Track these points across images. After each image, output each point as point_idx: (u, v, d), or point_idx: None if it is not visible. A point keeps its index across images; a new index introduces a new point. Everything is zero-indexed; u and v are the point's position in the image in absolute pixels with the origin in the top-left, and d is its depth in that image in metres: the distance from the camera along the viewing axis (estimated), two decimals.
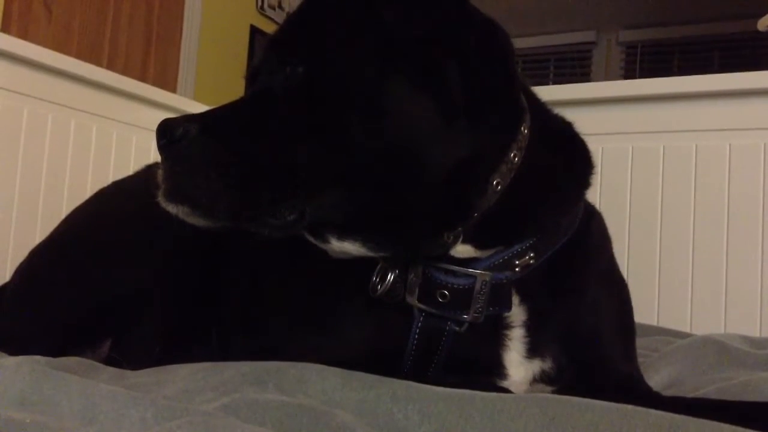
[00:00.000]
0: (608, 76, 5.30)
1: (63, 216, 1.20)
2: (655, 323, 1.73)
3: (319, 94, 0.74)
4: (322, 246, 0.78)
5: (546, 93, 0.90)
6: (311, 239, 0.78)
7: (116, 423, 0.59)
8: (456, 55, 0.76)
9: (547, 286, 0.82)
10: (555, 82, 5.41)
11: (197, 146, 0.73)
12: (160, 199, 0.74)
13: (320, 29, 0.78)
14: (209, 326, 1.01)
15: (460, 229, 0.76)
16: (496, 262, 0.78)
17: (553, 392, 0.80)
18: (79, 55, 2.67)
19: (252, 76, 0.85)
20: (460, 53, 0.76)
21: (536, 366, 0.81)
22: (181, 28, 3.57)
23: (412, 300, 0.79)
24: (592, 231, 0.89)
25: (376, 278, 0.80)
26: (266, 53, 0.82)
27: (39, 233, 1.72)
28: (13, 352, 0.90)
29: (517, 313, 0.81)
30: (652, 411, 0.59)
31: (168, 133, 0.73)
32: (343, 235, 0.76)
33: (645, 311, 1.78)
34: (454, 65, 0.75)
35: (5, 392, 0.65)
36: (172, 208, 0.73)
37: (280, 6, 4.21)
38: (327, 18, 0.78)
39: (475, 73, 0.76)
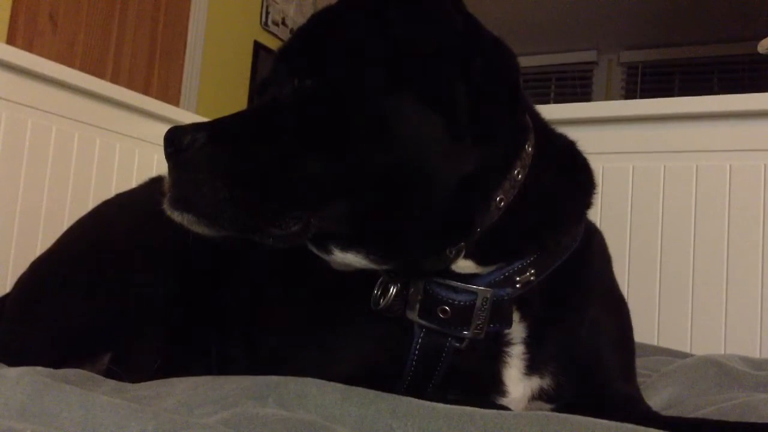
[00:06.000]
0: (609, 96, 5.33)
1: (65, 228, 1.20)
2: (654, 343, 1.73)
3: (327, 107, 0.75)
4: (325, 257, 0.79)
5: (547, 112, 0.91)
6: (314, 250, 0.79)
7: None
8: (463, 74, 0.76)
9: (547, 304, 0.82)
10: (556, 101, 5.44)
11: (204, 155, 0.73)
12: (166, 207, 0.74)
13: (329, 43, 0.78)
14: (209, 340, 1.01)
15: (462, 244, 0.76)
16: (497, 279, 0.78)
17: (552, 410, 0.80)
18: (84, 69, 2.68)
19: (261, 87, 0.85)
20: (467, 71, 0.77)
21: (535, 383, 0.81)
22: (185, 43, 3.59)
23: (413, 315, 0.79)
24: (592, 250, 0.89)
25: (377, 291, 0.80)
26: (275, 65, 0.83)
27: (40, 245, 1.72)
28: (14, 363, 0.90)
29: (517, 330, 0.81)
30: (652, 430, 0.59)
31: (176, 141, 0.74)
32: (346, 247, 0.76)
33: (645, 331, 1.78)
34: (461, 83, 0.76)
35: (6, 403, 0.65)
36: (177, 216, 0.74)
37: (284, 22, 4.24)
38: (336, 32, 0.79)
39: (482, 91, 0.77)
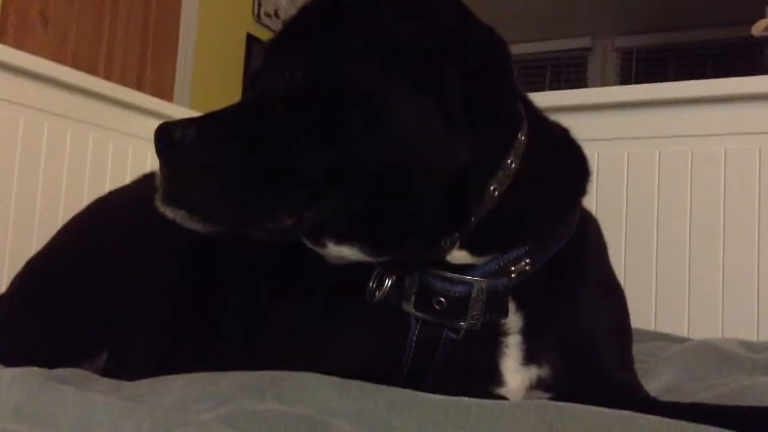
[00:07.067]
0: (604, 82, 5.32)
1: (59, 226, 1.20)
2: (652, 328, 1.73)
3: (318, 98, 0.74)
4: (320, 251, 0.78)
5: (542, 99, 0.91)
6: (309, 244, 0.78)
7: None
8: (455, 64, 0.76)
9: (543, 293, 0.82)
10: (551, 88, 5.42)
11: (196, 150, 0.73)
12: (158, 203, 0.74)
13: (320, 33, 0.78)
14: (206, 337, 1.01)
15: (456, 234, 0.76)
16: (492, 269, 0.78)
17: (550, 399, 0.80)
18: (76, 65, 2.67)
19: (252, 80, 0.85)
20: (459, 61, 0.76)
21: (533, 373, 0.81)
22: (177, 37, 3.57)
23: (408, 307, 0.79)
24: (588, 237, 0.89)
25: (373, 284, 0.80)
26: (266, 57, 0.82)
27: (35, 243, 1.71)
28: (10, 363, 0.89)
29: (513, 320, 0.81)
30: (650, 417, 0.59)
31: (166, 136, 0.73)
32: (340, 240, 0.76)
33: (642, 316, 1.78)
34: (454, 72, 0.75)
35: (1, 404, 0.65)
36: (169, 213, 0.73)
37: (276, 14, 4.21)
38: (327, 22, 0.78)
39: (474, 81, 0.76)
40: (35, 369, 0.77)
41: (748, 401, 0.85)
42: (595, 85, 5.26)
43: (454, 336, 0.78)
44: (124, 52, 3.29)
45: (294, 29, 0.81)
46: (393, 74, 0.74)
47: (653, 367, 1.10)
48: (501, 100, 0.80)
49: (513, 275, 0.78)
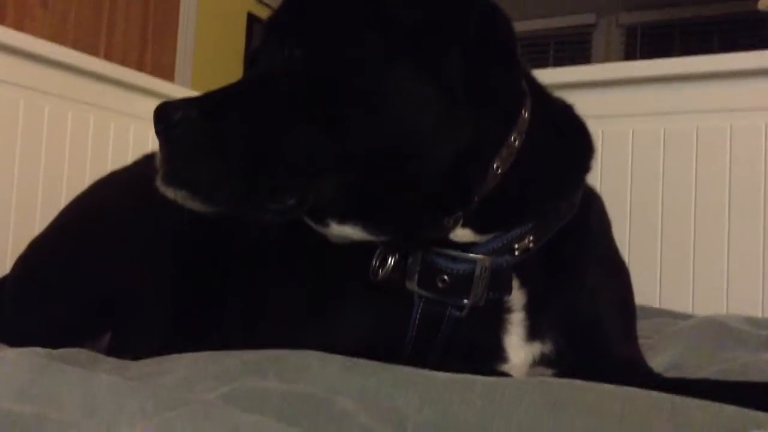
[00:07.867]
0: (608, 59, 5.26)
1: (62, 207, 1.20)
2: (656, 305, 1.73)
3: (319, 77, 0.74)
4: (322, 230, 0.78)
5: (546, 76, 0.90)
6: (311, 223, 0.78)
7: (116, 414, 0.58)
8: (457, 40, 0.75)
9: (547, 270, 0.82)
10: (555, 65, 5.38)
11: (196, 130, 0.72)
12: (159, 184, 0.73)
13: (320, 11, 0.77)
14: (209, 316, 1.01)
15: (460, 213, 0.76)
16: (496, 247, 0.78)
17: (554, 375, 0.80)
18: (76, 47, 2.65)
19: (251, 58, 0.84)
20: (461, 38, 0.75)
21: (536, 349, 0.81)
22: (178, 17, 3.55)
23: (412, 286, 0.79)
24: (592, 214, 0.89)
25: (376, 262, 0.80)
26: (265, 35, 0.81)
27: (38, 225, 1.72)
28: (14, 343, 0.90)
29: (517, 297, 0.80)
30: (654, 393, 0.59)
31: (166, 117, 0.73)
32: (343, 219, 0.75)
33: (647, 293, 1.78)
34: (455, 50, 0.75)
35: (5, 385, 0.65)
36: (170, 193, 0.73)
37: None
38: (325, 0, 0.77)
39: (477, 57, 0.76)
40: (39, 349, 0.77)
41: (753, 377, 0.85)
42: (599, 63, 5.21)
43: (457, 313, 0.78)
44: (125, 33, 3.27)
45: (293, 6, 0.80)
46: (393, 53, 0.73)
47: (658, 344, 1.10)
48: (504, 77, 0.80)
49: (516, 252, 0.78)
